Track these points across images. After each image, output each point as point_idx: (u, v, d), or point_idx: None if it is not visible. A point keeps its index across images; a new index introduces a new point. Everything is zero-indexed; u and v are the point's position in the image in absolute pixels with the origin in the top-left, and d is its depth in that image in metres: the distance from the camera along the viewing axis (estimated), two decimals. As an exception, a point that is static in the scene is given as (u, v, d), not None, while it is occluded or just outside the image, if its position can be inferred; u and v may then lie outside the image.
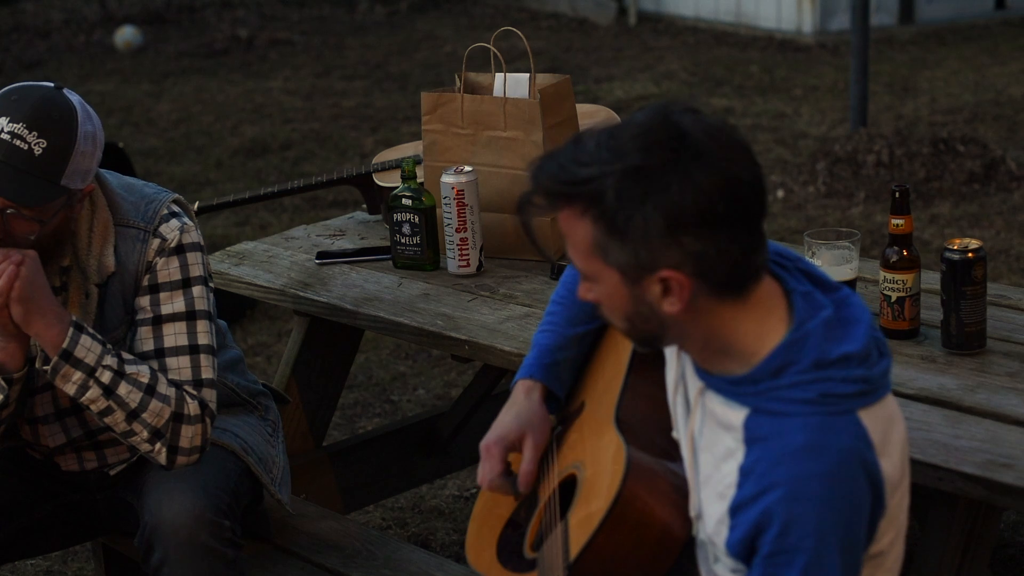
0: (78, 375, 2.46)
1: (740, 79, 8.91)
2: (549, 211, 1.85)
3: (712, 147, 1.78)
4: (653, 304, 1.83)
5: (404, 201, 3.17)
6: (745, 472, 1.84)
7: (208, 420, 2.57)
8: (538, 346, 2.29)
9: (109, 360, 2.47)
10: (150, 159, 7.76)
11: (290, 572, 2.81)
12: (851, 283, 2.71)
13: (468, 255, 3.13)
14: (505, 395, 2.33)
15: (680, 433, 2.02)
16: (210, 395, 2.58)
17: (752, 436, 1.85)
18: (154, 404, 2.50)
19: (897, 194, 2.62)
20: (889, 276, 2.64)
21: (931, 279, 2.72)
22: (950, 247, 2.57)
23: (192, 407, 2.54)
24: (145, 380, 2.50)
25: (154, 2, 12.70)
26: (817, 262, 2.69)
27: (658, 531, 2.00)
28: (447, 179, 3.11)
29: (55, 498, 2.78)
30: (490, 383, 3.68)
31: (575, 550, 2.00)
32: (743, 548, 1.84)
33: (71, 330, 2.44)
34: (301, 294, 3.19)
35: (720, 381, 1.90)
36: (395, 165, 3.51)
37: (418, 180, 3.21)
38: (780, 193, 6.52)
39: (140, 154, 7.76)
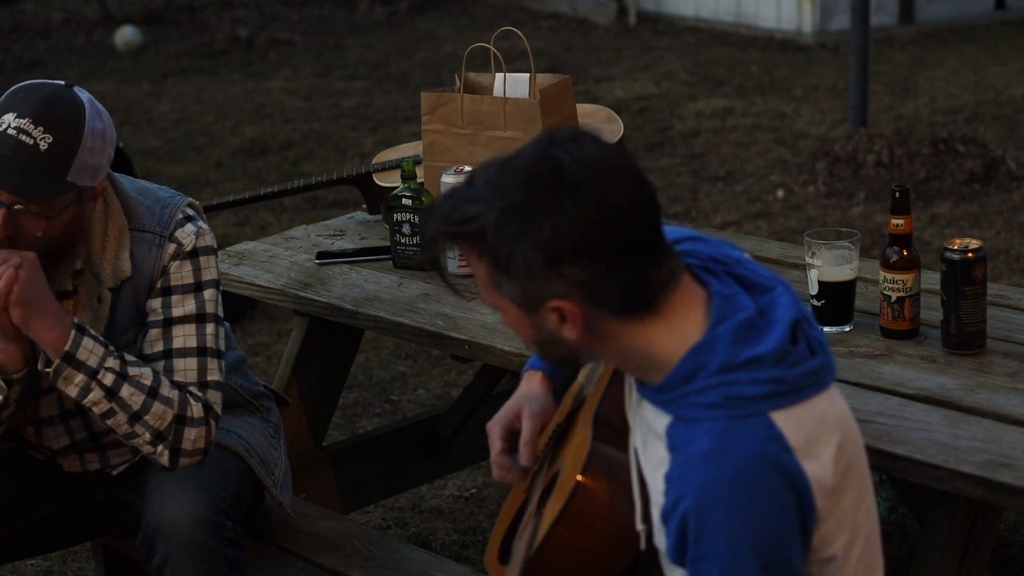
0: (80, 377, 2.45)
1: (740, 79, 8.91)
2: (449, 249, 1.91)
3: (586, 177, 1.80)
4: (554, 331, 1.87)
5: (404, 201, 3.17)
6: (668, 480, 1.86)
7: (212, 422, 2.56)
8: None
9: (111, 362, 2.47)
10: (150, 159, 7.76)
11: (290, 572, 2.81)
12: (851, 283, 2.71)
13: (468, 255, 3.13)
14: (505, 395, 2.33)
15: (635, 441, 2.02)
16: (215, 397, 2.58)
17: (672, 444, 1.87)
18: (156, 407, 2.50)
19: (897, 194, 2.62)
20: (889, 276, 2.64)
21: (931, 279, 2.72)
22: (950, 247, 2.57)
23: (196, 409, 2.54)
24: (148, 383, 2.49)
25: (154, 2, 12.69)
26: (817, 262, 2.69)
27: (616, 526, 1.99)
28: (447, 179, 3.11)
29: (56, 498, 2.78)
30: (490, 383, 3.68)
31: (536, 543, 2.01)
32: (679, 555, 1.85)
33: (73, 332, 2.44)
34: (301, 294, 3.19)
35: (649, 391, 1.92)
36: (395, 165, 3.51)
37: (418, 180, 3.21)
38: (780, 193, 6.52)
39: (140, 154, 7.76)
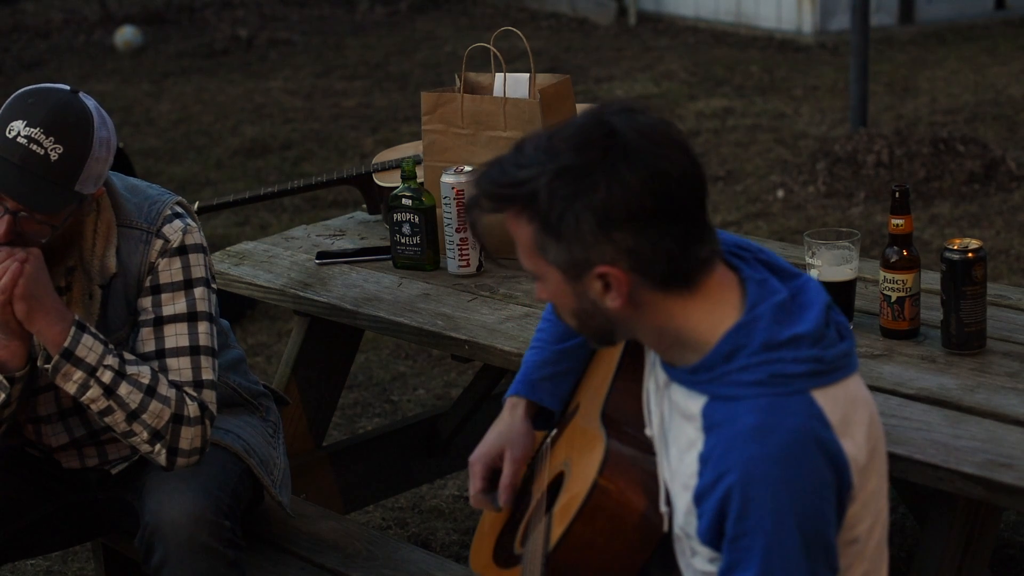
0: (79, 374, 2.46)
1: (740, 79, 8.91)
2: (495, 214, 1.90)
3: (641, 144, 1.81)
4: (596, 300, 1.87)
5: (404, 201, 3.17)
6: (704, 460, 1.86)
7: (208, 422, 2.56)
8: (525, 363, 2.33)
9: (110, 360, 2.47)
10: (150, 159, 7.76)
11: (290, 572, 2.81)
12: (851, 283, 2.71)
13: (468, 255, 3.13)
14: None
15: (652, 428, 2.04)
16: (210, 396, 2.58)
17: (709, 423, 1.87)
18: (154, 405, 2.50)
19: (897, 194, 2.62)
20: (889, 276, 2.64)
21: (931, 279, 2.72)
22: (950, 247, 2.57)
23: (192, 409, 2.54)
24: (146, 381, 2.50)
25: (154, 2, 12.70)
26: (817, 262, 2.69)
27: (635, 520, 2.01)
28: (447, 179, 3.11)
29: (56, 497, 2.78)
30: (490, 383, 3.68)
31: (554, 540, 2.02)
32: (713, 535, 1.85)
33: (73, 329, 2.44)
34: (301, 294, 3.19)
35: (680, 372, 1.92)
36: (395, 165, 3.51)
37: (418, 180, 3.21)
38: (780, 193, 6.52)
39: (140, 154, 7.76)
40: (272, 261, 3.39)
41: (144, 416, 2.50)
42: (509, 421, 2.28)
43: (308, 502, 3.13)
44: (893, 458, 2.23)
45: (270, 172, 7.43)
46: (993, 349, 2.59)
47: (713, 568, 1.89)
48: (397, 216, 3.19)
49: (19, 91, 2.45)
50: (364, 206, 3.67)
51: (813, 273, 2.69)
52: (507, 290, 3.06)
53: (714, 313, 1.88)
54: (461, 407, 3.77)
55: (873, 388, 2.46)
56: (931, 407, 2.39)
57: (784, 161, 7.01)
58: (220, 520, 2.54)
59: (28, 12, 12.76)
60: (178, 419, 2.52)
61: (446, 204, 3.11)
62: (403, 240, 3.20)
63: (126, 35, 10.93)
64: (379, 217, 3.58)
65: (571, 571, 2.04)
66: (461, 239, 3.12)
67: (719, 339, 1.87)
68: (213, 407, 2.58)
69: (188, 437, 2.54)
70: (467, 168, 3.12)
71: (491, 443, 2.26)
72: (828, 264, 2.69)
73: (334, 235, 3.52)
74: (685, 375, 1.91)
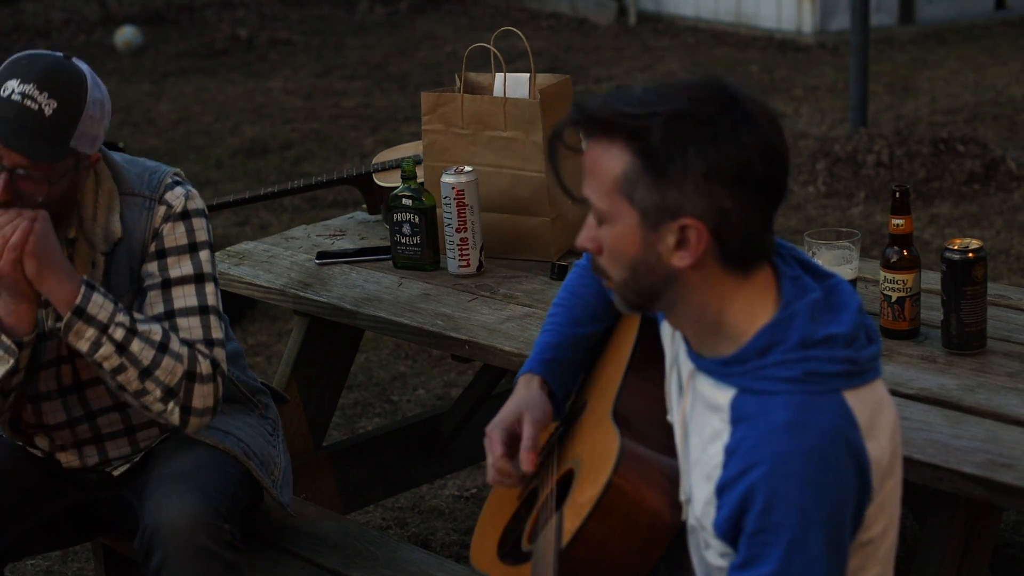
0: (91, 332, 2.47)
1: (740, 79, 8.91)
2: (582, 142, 1.86)
3: (760, 115, 1.82)
4: (663, 255, 1.84)
5: (404, 201, 3.17)
6: (730, 452, 1.85)
7: (220, 379, 2.58)
8: (539, 345, 2.31)
9: (121, 318, 2.49)
10: (150, 159, 7.75)
11: (290, 573, 2.81)
12: (851, 283, 2.70)
13: (468, 255, 3.13)
14: (505, 395, 2.34)
15: (673, 416, 2.04)
16: (220, 355, 2.60)
17: (738, 416, 1.86)
18: (167, 361, 2.51)
19: (897, 194, 2.62)
20: (889, 276, 2.64)
21: (931, 279, 2.72)
22: (950, 247, 2.57)
23: (204, 366, 2.55)
24: (157, 338, 2.51)
25: (154, 2, 12.70)
26: (817, 262, 2.69)
27: (648, 519, 2.02)
28: (447, 179, 3.11)
29: (59, 497, 2.78)
30: (490, 383, 3.68)
31: (567, 537, 2.02)
32: (729, 528, 1.85)
33: (83, 288, 2.47)
34: (301, 294, 3.19)
35: (710, 363, 1.91)
36: (395, 165, 3.51)
37: (418, 180, 3.21)
38: (780, 193, 6.52)
39: (140, 154, 7.66)
40: (272, 261, 3.39)
41: (157, 373, 2.51)
42: (525, 392, 2.24)
43: (308, 502, 3.13)
44: (893, 458, 2.23)
45: (270, 172, 7.43)
46: (993, 349, 2.59)
47: (724, 563, 1.89)
48: (397, 216, 3.19)
49: (13, 56, 2.49)
50: (364, 206, 3.67)
51: (813, 273, 2.70)
52: (507, 290, 3.06)
53: (754, 304, 1.88)
54: (461, 407, 3.77)
55: (873, 388, 2.46)
56: (931, 407, 2.39)
57: (784, 161, 7.01)
58: (219, 523, 2.54)
59: (28, 12, 12.76)
60: (191, 376, 2.54)
61: (446, 204, 3.11)
62: (403, 240, 3.20)
63: (126, 35, 10.93)
64: (379, 217, 3.58)
65: (584, 568, 2.04)
66: (461, 239, 3.12)
67: (755, 332, 1.86)
68: (224, 365, 2.60)
69: (201, 395, 2.55)
70: (467, 168, 3.12)
71: (508, 410, 2.22)
72: (828, 264, 2.69)
73: (334, 235, 3.52)
74: (716, 366, 1.90)
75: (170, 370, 2.51)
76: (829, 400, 1.83)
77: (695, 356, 1.95)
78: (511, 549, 2.23)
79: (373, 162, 3.61)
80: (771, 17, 10.18)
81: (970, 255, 2.54)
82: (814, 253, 2.71)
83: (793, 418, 1.81)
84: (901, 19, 10.09)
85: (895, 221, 2.63)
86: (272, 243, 3.52)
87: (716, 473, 1.87)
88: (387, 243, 3.31)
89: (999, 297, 2.80)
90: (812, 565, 1.79)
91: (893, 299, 2.64)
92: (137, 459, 2.74)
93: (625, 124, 1.81)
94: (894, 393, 2.45)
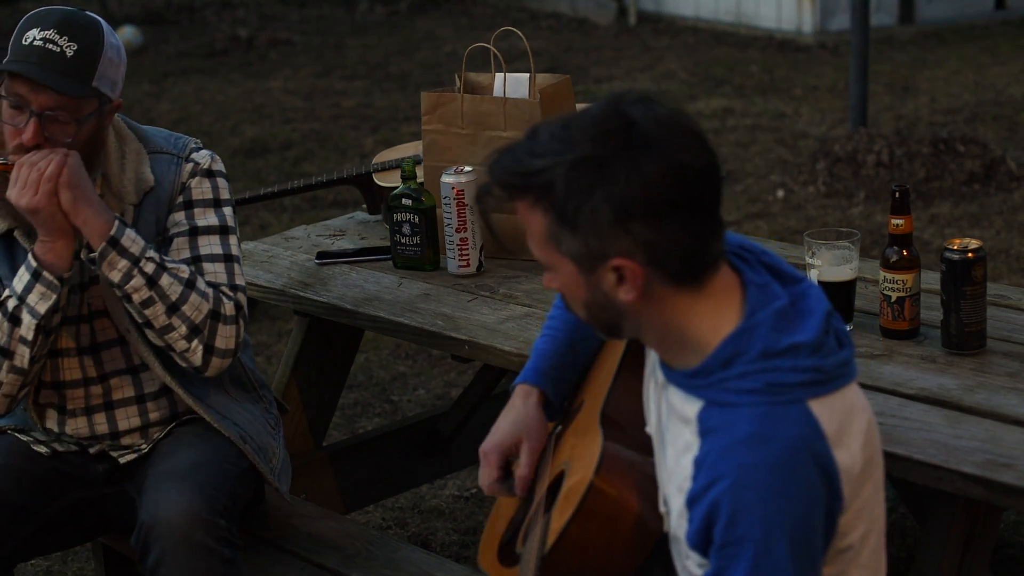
0: (123, 263, 2.55)
1: (740, 79, 8.91)
2: (506, 202, 1.87)
3: (661, 136, 1.79)
4: (608, 293, 1.85)
5: (404, 201, 3.17)
6: (698, 464, 1.85)
7: (242, 322, 2.67)
8: (536, 352, 2.31)
9: (151, 253, 2.58)
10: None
11: (290, 572, 2.81)
12: (851, 283, 2.71)
13: (468, 255, 3.13)
14: (505, 395, 2.34)
15: (651, 427, 2.03)
16: (243, 300, 2.69)
17: (705, 428, 1.86)
18: (194, 297, 2.60)
19: (897, 194, 2.62)
20: (889, 276, 2.64)
21: (931, 279, 2.72)
22: (950, 247, 2.57)
23: (228, 307, 2.64)
24: (185, 276, 2.60)
25: (154, 2, 12.70)
26: (817, 262, 2.69)
27: (631, 523, 2.01)
28: (447, 179, 3.11)
29: (65, 495, 2.77)
30: (490, 383, 3.68)
31: (550, 541, 2.02)
32: (700, 540, 1.84)
33: (117, 221, 2.55)
34: (301, 294, 3.19)
35: (678, 375, 1.91)
36: (395, 165, 3.51)
37: (418, 180, 3.21)
38: (780, 193, 6.52)
39: (140, 154, 7.76)
40: (272, 261, 3.39)
41: (184, 308, 2.59)
42: (524, 411, 2.25)
43: (308, 502, 3.13)
44: (893, 458, 2.23)
45: (270, 172, 7.43)
46: (993, 349, 2.59)
47: (701, 573, 1.89)
48: (397, 216, 3.19)
49: (29, 13, 2.62)
50: (364, 206, 3.67)
51: (813, 273, 2.69)
52: (507, 290, 3.06)
53: (716, 315, 1.87)
54: (461, 407, 3.77)
55: (873, 388, 2.46)
56: (931, 407, 2.39)
57: (784, 161, 7.01)
58: (216, 519, 2.54)
59: (28, 12, 12.75)
60: (215, 315, 2.62)
61: (446, 204, 3.11)
62: (403, 240, 3.20)
63: (126, 35, 10.93)
64: (379, 217, 3.58)
65: (566, 572, 2.03)
66: (461, 239, 3.12)
67: (718, 344, 1.86)
68: (246, 310, 2.69)
69: (224, 335, 2.63)
70: (467, 168, 3.12)
71: (505, 432, 2.23)
72: (828, 264, 2.69)
73: (334, 235, 3.52)
74: (683, 378, 1.90)
75: (196, 306, 2.60)
76: (793, 410, 1.82)
77: (665, 368, 1.95)
78: (509, 551, 2.24)
79: (373, 162, 3.61)
80: (771, 17, 10.18)
81: (970, 255, 2.54)
82: (814, 253, 2.71)
83: (755, 430, 1.80)
84: (901, 19, 10.09)
85: (895, 221, 2.63)
86: (272, 243, 3.52)
87: (687, 485, 1.87)
88: (387, 243, 3.31)
89: (999, 297, 2.80)
90: None
91: (893, 299, 2.64)
92: (146, 449, 2.75)
93: (530, 184, 1.82)
94: (894, 393, 2.45)
